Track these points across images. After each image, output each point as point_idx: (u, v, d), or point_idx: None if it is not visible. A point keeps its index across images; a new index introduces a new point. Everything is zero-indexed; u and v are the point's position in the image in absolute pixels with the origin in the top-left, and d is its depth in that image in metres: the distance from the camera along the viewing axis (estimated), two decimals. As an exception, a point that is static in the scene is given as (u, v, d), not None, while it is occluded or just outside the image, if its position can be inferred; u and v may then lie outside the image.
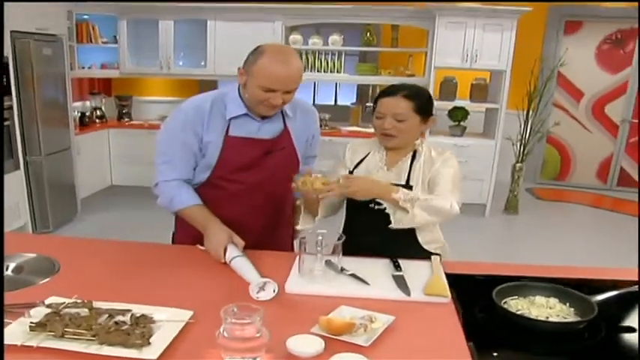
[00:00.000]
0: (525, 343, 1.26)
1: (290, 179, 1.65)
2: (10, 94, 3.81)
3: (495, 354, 1.19)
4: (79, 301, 1.26)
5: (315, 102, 6.87)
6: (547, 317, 1.32)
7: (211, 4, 5.13)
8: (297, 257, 1.54)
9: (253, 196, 1.76)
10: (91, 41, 5.32)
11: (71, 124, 4.66)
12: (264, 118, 1.73)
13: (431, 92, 1.94)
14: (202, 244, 1.67)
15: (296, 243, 1.91)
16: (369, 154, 1.87)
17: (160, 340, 1.13)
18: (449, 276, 1.52)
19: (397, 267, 1.58)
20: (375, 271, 1.56)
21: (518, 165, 5.14)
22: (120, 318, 1.20)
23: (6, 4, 3.43)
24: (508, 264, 1.73)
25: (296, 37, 5.33)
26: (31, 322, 1.15)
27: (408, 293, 1.43)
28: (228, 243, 1.59)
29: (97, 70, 5.51)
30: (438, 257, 1.66)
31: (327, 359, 1.08)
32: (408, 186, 1.74)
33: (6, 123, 3.77)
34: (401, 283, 1.48)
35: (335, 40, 5.33)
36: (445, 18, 4.78)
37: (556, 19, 5.98)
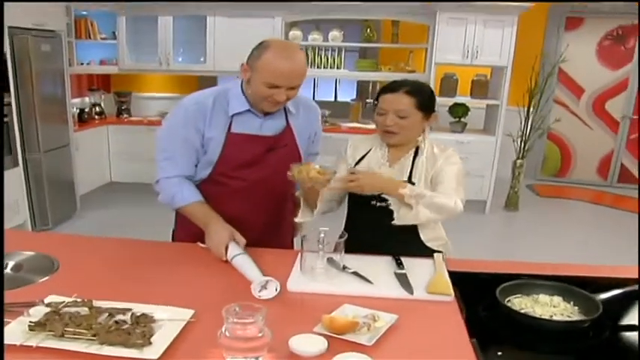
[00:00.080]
0: (530, 341, 1.25)
1: None
2: (9, 90, 3.79)
3: (500, 353, 1.18)
4: (78, 299, 1.25)
5: (315, 98, 6.86)
6: (551, 316, 1.31)
7: (210, 2, 5.08)
8: (299, 255, 1.53)
9: (255, 193, 1.74)
10: (90, 37, 5.30)
11: (70, 120, 4.63)
12: (266, 114, 1.71)
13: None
14: (203, 242, 1.66)
15: (297, 240, 1.90)
16: (370, 150, 1.85)
17: (161, 339, 1.12)
18: (452, 274, 1.50)
19: (400, 265, 1.57)
20: (378, 269, 1.55)
21: (519, 161, 5.14)
22: (120, 317, 1.19)
23: (6, 3, 3.39)
24: (511, 262, 1.72)
25: (296, 32, 5.31)
26: (31, 322, 1.14)
27: (411, 292, 1.41)
28: (230, 241, 1.57)
29: (95, 66, 5.49)
30: (440, 255, 1.65)
31: (330, 359, 1.07)
32: (410, 183, 1.72)
33: (5, 120, 3.74)
34: (404, 281, 1.47)
35: (335, 36, 5.31)
36: (446, 14, 4.76)
37: (557, 15, 5.96)
